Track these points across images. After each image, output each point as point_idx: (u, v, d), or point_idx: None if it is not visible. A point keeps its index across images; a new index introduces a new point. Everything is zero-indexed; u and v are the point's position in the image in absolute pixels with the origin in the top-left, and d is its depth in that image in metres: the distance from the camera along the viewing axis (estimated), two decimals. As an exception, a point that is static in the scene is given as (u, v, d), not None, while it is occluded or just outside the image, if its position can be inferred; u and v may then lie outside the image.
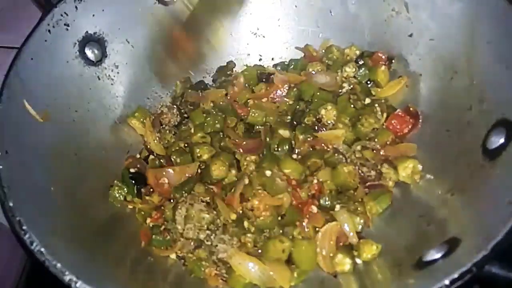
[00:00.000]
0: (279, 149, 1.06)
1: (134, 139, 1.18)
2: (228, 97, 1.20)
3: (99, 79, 1.11)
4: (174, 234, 0.96)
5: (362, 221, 0.96)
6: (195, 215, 0.94)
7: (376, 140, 1.06)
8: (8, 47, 0.94)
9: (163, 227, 0.99)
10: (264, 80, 1.21)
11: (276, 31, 1.29)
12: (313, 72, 1.18)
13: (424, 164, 0.99)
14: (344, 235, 0.93)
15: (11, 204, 0.77)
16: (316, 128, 1.09)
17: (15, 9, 1.33)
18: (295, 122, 1.12)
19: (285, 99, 1.17)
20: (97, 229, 0.93)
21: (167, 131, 1.16)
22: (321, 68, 1.19)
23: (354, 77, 1.18)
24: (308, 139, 1.06)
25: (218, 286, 0.93)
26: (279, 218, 0.96)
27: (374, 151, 1.05)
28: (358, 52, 1.20)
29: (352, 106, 1.11)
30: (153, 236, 0.98)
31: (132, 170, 1.08)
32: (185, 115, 1.20)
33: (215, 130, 1.13)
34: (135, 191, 1.05)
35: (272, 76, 1.18)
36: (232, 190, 0.98)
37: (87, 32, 1.07)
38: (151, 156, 1.15)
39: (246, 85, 1.21)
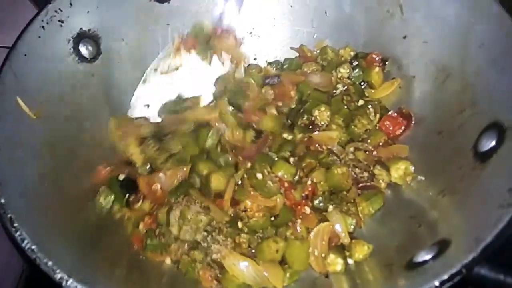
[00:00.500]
0: (281, 152, 1.05)
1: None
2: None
3: (93, 76, 1.11)
4: (168, 238, 0.95)
5: (354, 221, 0.96)
6: (192, 217, 0.93)
7: (369, 141, 1.07)
8: (3, 47, 0.94)
9: (157, 231, 0.97)
10: (267, 82, 1.19)
11: (271, 31, 1.29)
12: (308, 72, 1.18)
13: (416, 166, 1.00)
14: (336, 235, 0.93)
15: (2, 201, 0.77)
16: (310, 129, 1.10)
17: (10, 8, 1.32)
18: (289, 121, 1.12)
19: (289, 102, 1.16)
20: (89, 228, 0.93)
21: (149, 145, 1.06)
22: (316, 68, 1.20)
23: (348, 78, 1.18)
24: (305, 139, 1.07)
25: (212, 287, 0.92)
26: (272, 218, 0.96)
27: (367, 152, 1.05)
28: (352, 53, 1.21)
29: (345, 107, 1.11)
30: (148, 241, 0.96)
31: (121, 177, 1.03)
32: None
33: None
34: (125, 200, 1.01)
35: (276, 79, 1.18)
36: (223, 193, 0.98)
37: (81, 28, 1.07)
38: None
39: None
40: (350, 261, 0.92)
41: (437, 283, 0.67)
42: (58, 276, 0.71)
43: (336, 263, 0.91)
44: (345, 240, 0.93)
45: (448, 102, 0.98)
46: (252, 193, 0.96)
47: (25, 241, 0.74)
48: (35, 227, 0.77)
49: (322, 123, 1.10)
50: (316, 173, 1.00)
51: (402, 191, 1.00)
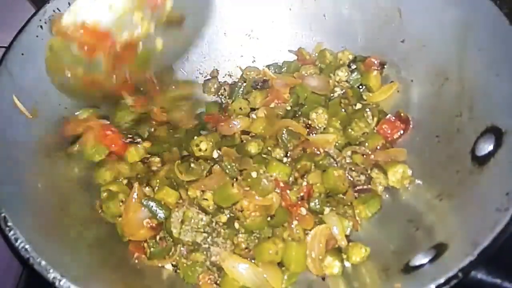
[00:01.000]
0: (274, 153, 1.05)
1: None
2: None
3: (90, 76, 1.11)
4: (169, 241, 0.95)
5: (351, 223, 0.96)
6: (192, 218, 0.93)
7: (366, 144, 1.07)
8: (1, 47, 0.94)
9: (158, 237, 0.97)
10: (259, 86, 1.20)
11: (270, 34, 1.29)
12: (306, 74, 1.18)
13: (414, 169, 0.99)
14: (333, 238, 0.93)
15: (-4, 200, 0.76)
16: (307, 131, 1.09)
17: (9, 8, 1.32)
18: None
19: (285, 104, 1.16)
20: (84, 228, 0.92)
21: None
22: (314, 71, 1.19)
23: (347, 81, 1.18)
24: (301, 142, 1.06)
25: (211, 291, 0.92)
26: (269, 218, 0.96)
27: (364, 156, 1.05)
28: (350, 57, 1.20)
29: (343, 110, 1.11)
30: (151, 250, 0.95)
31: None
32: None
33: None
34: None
35: (268, 81, 1.18)
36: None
37: (79, 28, 1.06)
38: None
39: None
40: (347, 264, 0.92)
41: (433, 287, 0.67)
42: (51, 275, 0.71)
43: (333, 266, 0.90)
44: (342, 242, 0.93)
45: (446, 106, 0.97)
46: (248, 191, 0.95)
47: (19, 241, 0.73)
48: (29, 227, 0.77)
49: (319, 126, 1.10)
50: (311, 175, 1.00)
51: (400, 194, 1.00)
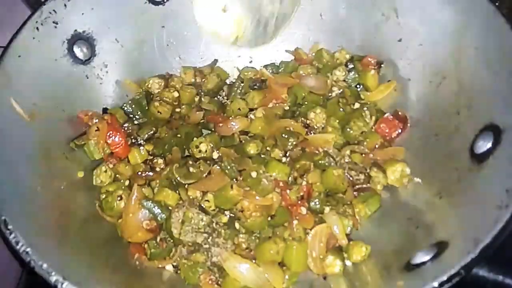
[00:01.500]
0: (273, 153, 1.05)
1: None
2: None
3: (87, 78, 1.10)
4: (169, 242, 0.95)
5: (351, 222, 0.96)
6: (193, 218, 0.93)
7: (365, 143, 1.07)
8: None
9: (158, 238, 0.96)
10: (256, 87, 1.20)
11: (267, 34, 1.29)
12: (303, 74, 1.18)
13: (413, 168, 1.00)
14: (334, 237, 0.93)
15: (-4, 203, 0.75)
16: (306, 131, 1.09)
17: (7, 9, 1.31)
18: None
19: (283, 104, 1.16)
20: (84, 230, 0.91)
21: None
22: (311, 71, 1.20)
23: (344, 80, 1.19)
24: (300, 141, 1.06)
25: (212, 291, 0.92)
26: (269, 218, 0.96)
27: (363, 155, 1.06)
28: (348, 56, 1.21)
29: (341, 109, 1.11)
30: (152, 251, 0.95)
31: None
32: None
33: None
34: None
35: (266, 82, 1.18)
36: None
37: (76, 30, 1.06)
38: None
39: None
40: (348, 262, 0.92)
41: (436, 285, 0.67)
42: (53, 278, 0.70)
43: (334, 265, 0.90)
44: (343, 241, 0.93)
45: (443, 104, 0.98)
46: (249, 191, 0.95)
47: (20, 244, 0.73)
48: (29, 230, 0.76)
49: (318, 125, 1.10)
50: (311, 174, 1.00)
51: (399, 193, 1.00)
